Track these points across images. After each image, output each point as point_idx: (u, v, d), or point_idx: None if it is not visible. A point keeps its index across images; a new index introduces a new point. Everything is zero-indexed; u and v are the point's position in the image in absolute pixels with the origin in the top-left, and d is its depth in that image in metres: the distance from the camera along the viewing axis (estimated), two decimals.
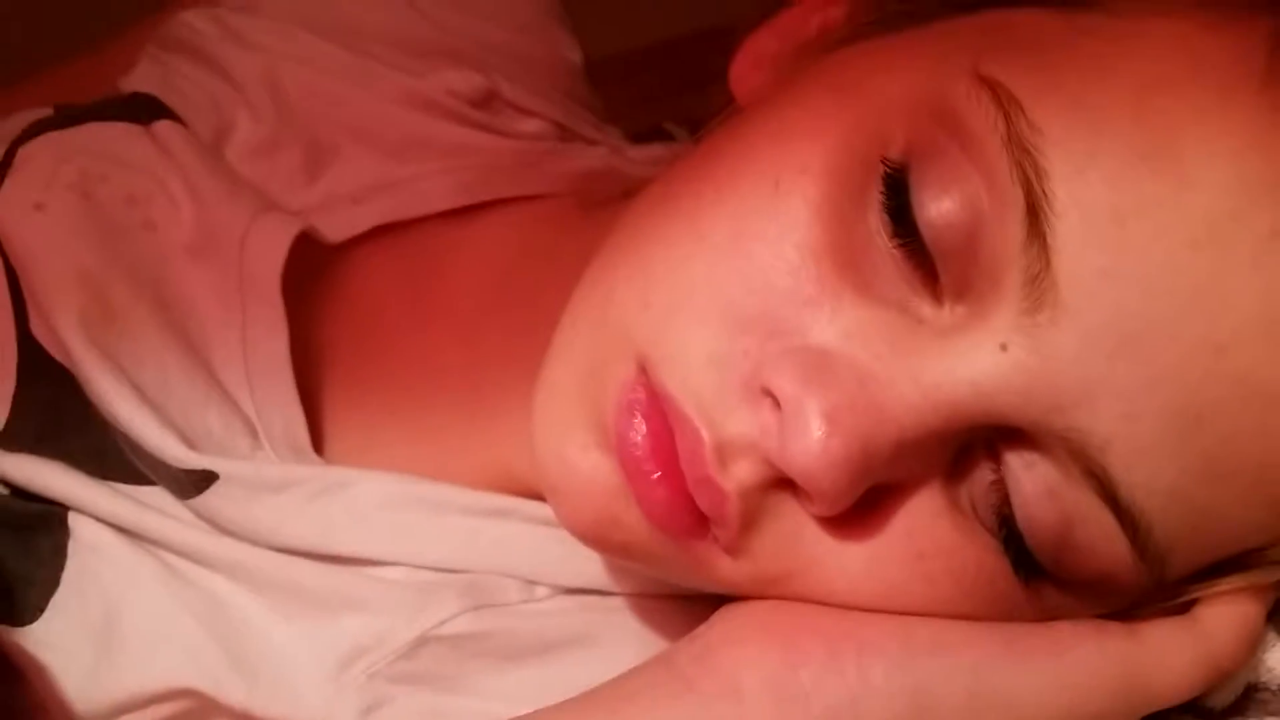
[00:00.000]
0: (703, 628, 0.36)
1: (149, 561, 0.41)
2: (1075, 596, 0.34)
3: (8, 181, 0.45)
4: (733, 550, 0.34)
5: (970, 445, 0.33)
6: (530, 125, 0.52)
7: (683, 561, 0.35)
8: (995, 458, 0.33)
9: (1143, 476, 0.31)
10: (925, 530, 0.33)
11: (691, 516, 0.33)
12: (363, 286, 0.47)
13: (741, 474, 0.33)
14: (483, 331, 0.46)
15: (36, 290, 0.43)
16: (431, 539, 0.42)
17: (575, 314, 0.37)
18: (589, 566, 0.42)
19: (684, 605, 0.42)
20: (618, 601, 0.43)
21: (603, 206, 0.48)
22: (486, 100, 0.51)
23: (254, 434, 0.43)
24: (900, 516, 0.33)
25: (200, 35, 0.52)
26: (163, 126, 0.47)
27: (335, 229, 0.47)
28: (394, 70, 0.51)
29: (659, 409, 0.33)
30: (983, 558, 0.33)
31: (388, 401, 0.45)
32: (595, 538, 0.36)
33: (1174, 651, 0.35)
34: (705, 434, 0.33)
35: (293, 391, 0.43)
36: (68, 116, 0.48)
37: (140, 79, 0.52)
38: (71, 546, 0.41)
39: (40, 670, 0.39)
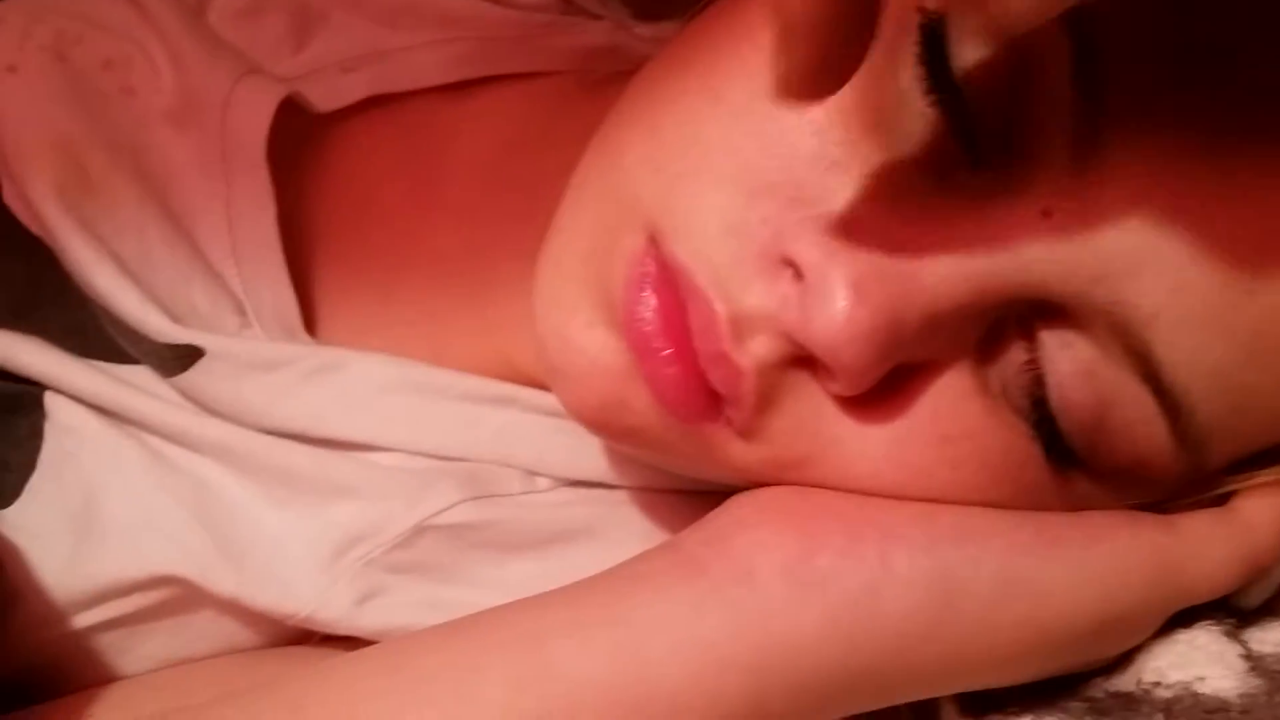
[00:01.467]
0: (713, 513, 0.35)
1: (131, 444, 0.39)
2: (1108, 486, 0.33)
3: None
4: (747, 432, 0.32)
5: (1003, 322, 0.31)
6: None
7: (693, 446, 0.33)
8: (1029, 336, 0.31)
9: (1187, 354, 0.29)
10: (952, 412, 0.31)
11: (704, 397, 0.31)
12: (354, 162, 0.45)
13: (758, 349, 0.30)
14: (481, 214, 0.43)
15: (9, 157, 0.40)
16: (430, 425, 0.40)
17: (580, 183, 0.35)
18: (593, 458, 0.40)
19: (691, 499, 0.40)
20: (622, 494, 0.41)
21: (606, 85, 0.45)
22: None
23: (242, 311, 0.40)
24: (926, 398, 0.31)
25: None
26: None
27: (323, 98, 0.44)
28: None
29: (671, 282, 0.31)
30: (1012, 442, 0.32)
31: (383, 283, 0.43)
32: (600, 422, 0.34)
33: (1210, 544, 0.33)
34: (720, 307, 0.30)
35: (282, 267, 0.41)
36: None
37: None
38: (48, 428, 0.39)
39: (15, 556, 0.37)
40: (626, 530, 0.40)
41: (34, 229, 0.40)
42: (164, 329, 0.38)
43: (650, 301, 0.31)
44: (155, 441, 0.39)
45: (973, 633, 0.32)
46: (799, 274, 0.30)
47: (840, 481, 0.33)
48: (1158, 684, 0.33)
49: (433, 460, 0.40)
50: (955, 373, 0.31)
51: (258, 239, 0.41)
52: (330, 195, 0.44)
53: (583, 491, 0.41)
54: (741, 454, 0.33)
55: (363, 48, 0.46)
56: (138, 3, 0.44)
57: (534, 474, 0.41)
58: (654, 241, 0.32)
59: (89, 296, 0.39)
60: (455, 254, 0.43)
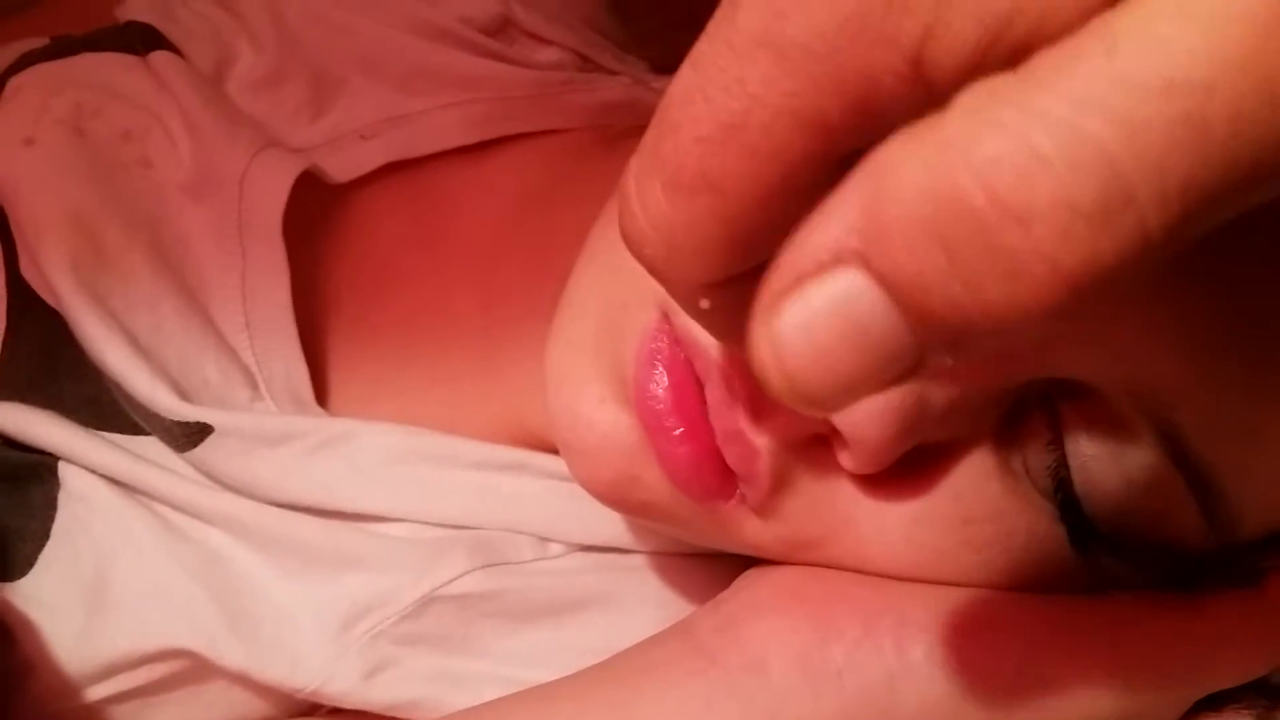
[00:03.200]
0: (726, 593, 0.34)
1: (143, 515, 0.39)
2: (1134, 564, 0.32)
3: None
4: (762, 511, 0.31)
5: (1026, 401, 0.30)
6: (547, 55, 0.49)
7: (707, 523, 0.33)
8: (1053, 414, 0.30)
9: (1217, 434, 0.28)
10: (973, 493, 0.30)
11: (717, 476, 0.31)
12: (370, 228, 0.45)
13: (775, 428, 0.30)
14: (496, 275, 0.43)
15: (25, 230, 0.41)
16: (439, 494, 0.40)
17: (590, 255, 0.34)
18: (607, 523, 0.40)
19: (708, 564, 0.40)
20: (637, 560, 0.40)
21: (622, 140, 0.45)
22: (501, 28, 0.48)
23: (254, 384, 0.40)
24: (946, 478, 0.30)
25: None
26: (159, 57, 0.45)
27: (342, 167, 0.44)
28: None
29: (683, 359, 0.30)
30: (1035, 524, 0.31)
31: (395, 349, 0.43)
32: (614, 498, 0.34)
33: (1239, 629, 0.32)
34: (738, 383, 0.30)
35: (294, 339, 0.41)
36: (62, 47, 0.46)
37: (137, 7, 0.49)
38: (61, 498, 0.39)
39: (29, 628, 0.37)
40: (641, 596, 0.40)
41: (50, 302, 0.40)
42: (173, 407, 0.38)
43: (662, 379, 0.31)
44: (167, 512, 0.39)
45: None
46: None
47: (857, 563, 0.32)
48: None
49: (443, 530, 0.40)
50: (977, 452, 0.30)
51: (272, 312, 0.41)
52: (345, 262, 0.44)
53: (596, 557, 0.40)
54: (756, 532, 0.32)
55: (381, 113, 0.46)
56: (157, 74, 0.44)
57: (546, 540, 0.40)
58: (666, 317, 0.31)
59: (102, 370, 0.39)
60: (469, 317, 0.43)
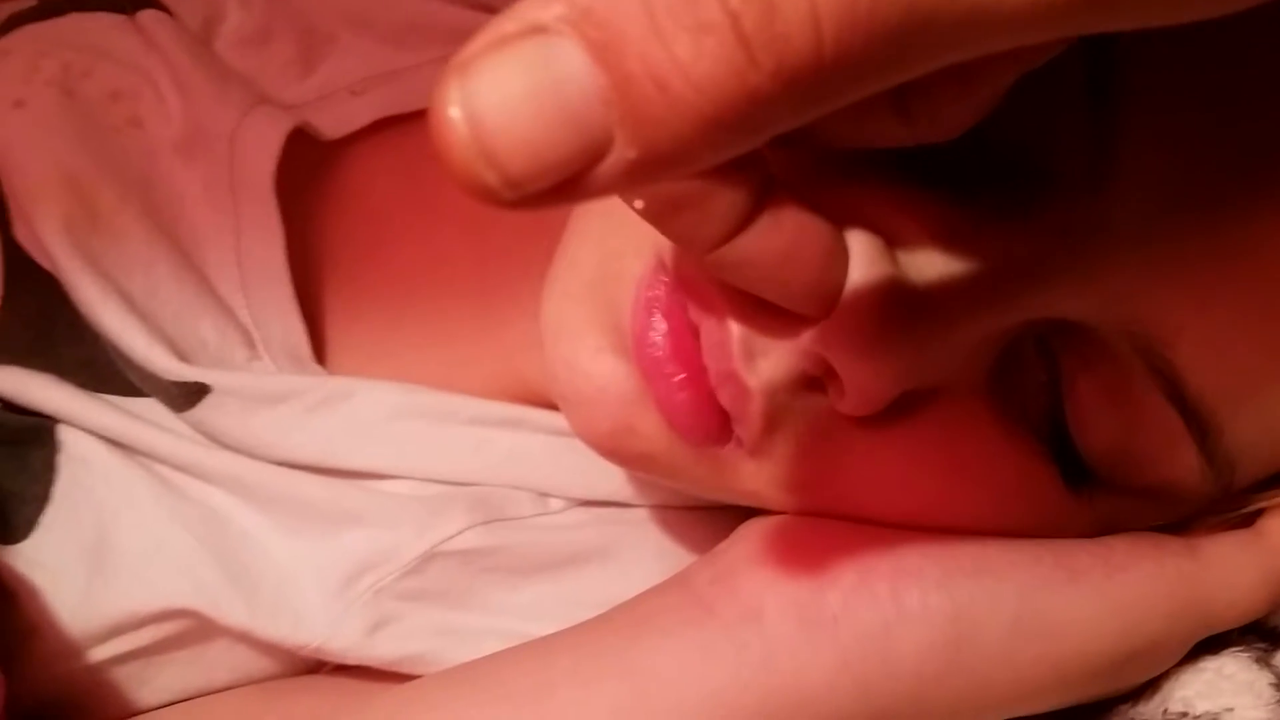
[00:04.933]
0: (724, 544, 0.34)
1: (143, 475, 0.39)
2: (1132, 506, 0.32)
3: None
4: (756, 454, 0.31)
5: (1020, 343, 0.30)
6: None
7: (704, 470, 0.33)
8: (1048, 357, 0.30)
9: (1214, 372, 0.28)
10: (966, 437, 0.30)
11: (715, 420, 0.31)
12: (364, 185, 0.44)
13: (768, 369, 0.29)
14: (492, 231, 0.43)
15: (18, 192, 0.40)
16: (439, 450, 0.40)
17: (584, 207, 0.34)
18: (606, 477, 0.40)
19: (708, 517, 0.40)
20: (637, 514, 0.41)
21: None
22: None
23: (251, 343, 0.40)
24: (940, 423, 0.30)
25: None
26: (147, 16, 0.44)
27: (333, 124, 0.44)
28: None
29: (680, 305, 0.30)
30: (1030, 468, 0.31)
31: (392, 307, 0.43)
32: (611, 448, 0.34)
33: (1237, 569, 0.32)
34: (733, 324, 0.30)
35: (291, 298, 0.41)
36: (50, 7, 0.45)
37: None
38: (61, 460, 0.39)
39: (32, 591, 0.37)
40: (641, 550, 0.40)
41: (45, 265, 0.40)
42: (170, 367, 0.38)
43: (660, 326, 0.31)
44: (166, 472, 0.39)
45: (990, 670, 0.31)
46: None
47: (854, 509, 0.32)
48: (1184, 714, 0.32)
49: (443, 486, 0.40)
50: (971, 397, 0.30)
51: (266, 271, 0.41)
52: (340, 220, 0.44)
53: (596, 511, 0.40)
54: (752, 476, 0.32)
55: (371, 69, 0.46)
56: (145, 33, 0.44)
57: (546, 495, 0.40)
58: (661, 264, 0.31)
59: (98, 332, 0.39)
60: (465, 273, 0.43)
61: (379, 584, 0.38)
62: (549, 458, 0.40)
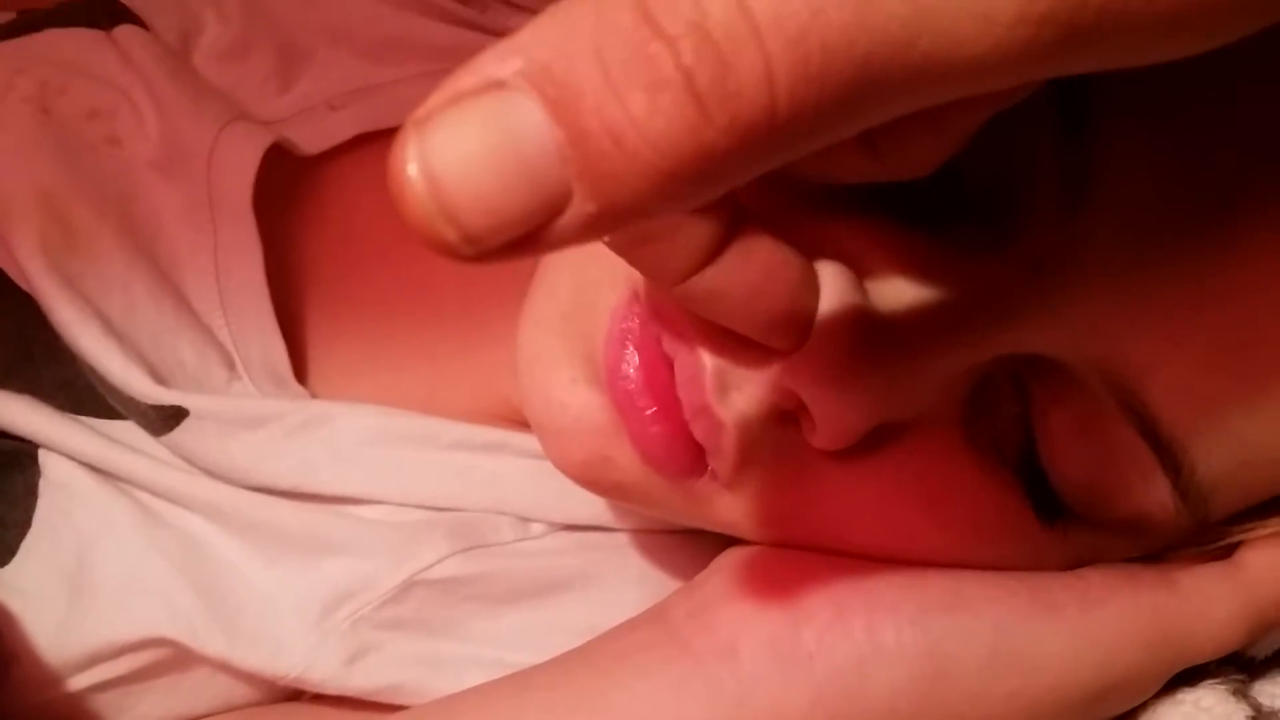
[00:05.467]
0: (701, 576, 0.34)
1: (121, 501, 0.39)
2: (1108, 539, 0.32)
3: None
4: (732, 487, 0.31)
5: (993, 379, 0.30)
6: (518, 20, 0.48)
7: (680, 501, 0.32)
8: (1020, 389, 0.30)
9: (1186, 409, 0.28)
10: (940, 471, 0.30)
11: (689, 454, 0.31)
12: (344, 201, 0.44)
13: (741, 403, 0.29)
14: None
15: None
16: (418, 476, 0.40)
17: None
18: (588, 502, 0.40)
19: (690, 541, 0.40)
20: (618, 538, 0.40)
21: None
22: None
23: (230, 364, 0.40)
24: (913, 456, 0.30)
25: None
26: (124, 32, 0.44)
27: (311, 139, 0.44)
28: None
29: (654, 337, 0.30)
30: (1004, 501, 0.30)
31: (374, 326, 0.43)
32: (587, 478, 0.34)
33: (1214, 601, 0.32)
34: (706, 359, 0.29)
35: (270, 318, 0.41)
36: (26, 23, 0.45)
37: None
38: (42, 485, 0.39)
39: (11, 618, 0.37)
40: (623, 575, 0.40)
41: (22, 285, 0.40)
42: (148, 390, 0.38)
43: (633, 359, 0.31)
44: (145, 498, 0.39)
45: (965, 706, 0.31)
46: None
47: (830, 541, 0.32)
48: None
49: (423, 511, 0.39)
50: (944, 430, 0.30)
51: (246, 290, 0.40)
52: (321, 237, 0.44)
53: (577, 536, 0.40)
54: (728, 509, 0.32)
55: (350, 83, 0.45)
56: (121, 48, 0.44)
57: (527, 520, 0.40)
58: (636, 297, 0.31)
59: (76, 353, 0.39)
60: (447, 293, 0.43)
61: (358, 613, 0.38)
62: (530, 482, 0.40)
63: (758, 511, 0.32)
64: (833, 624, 0.31)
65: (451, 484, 0.40)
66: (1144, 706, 0.33)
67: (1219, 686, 0.32)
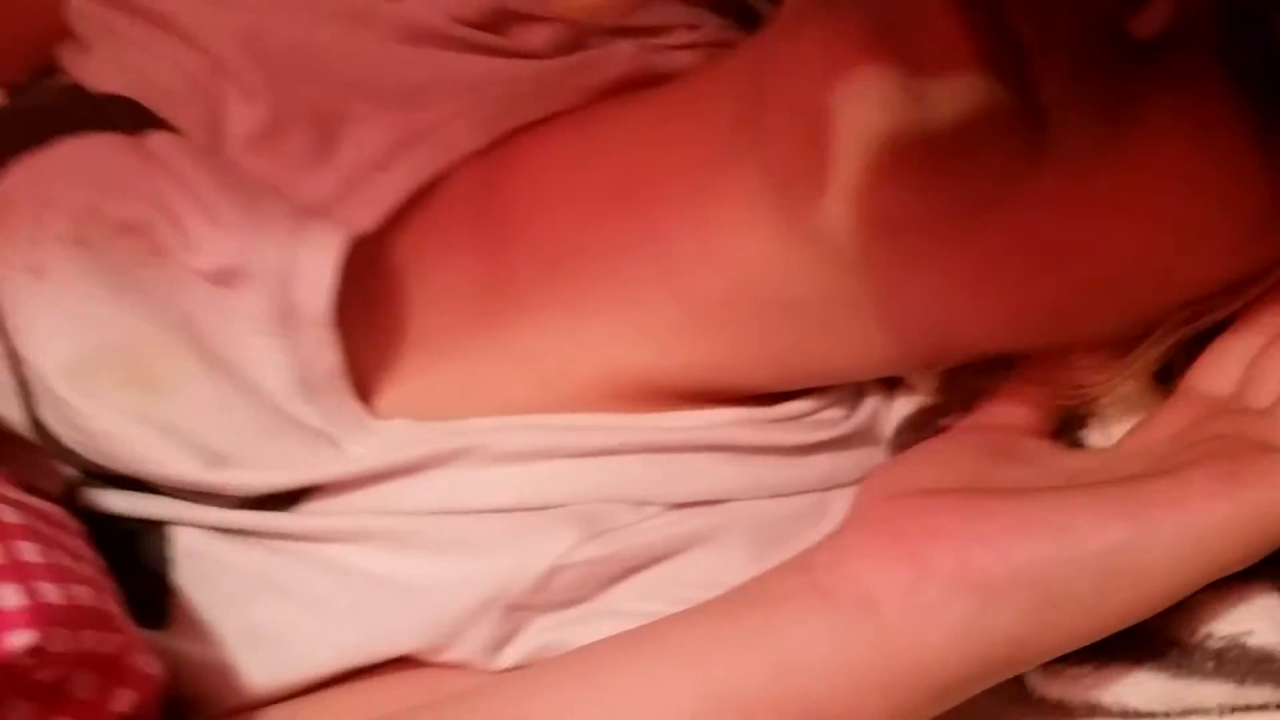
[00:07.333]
0: (837, 531, 0.38)
1: (259, 554, 0.42)
2: None
3: None
4: (1058, 75, 0.34)
5: None
6: (540, 34, 0.48)
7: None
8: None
9: None
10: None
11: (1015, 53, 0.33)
12: (405, 254, 0.45)
13: None
14: (552, 253, 0.45)
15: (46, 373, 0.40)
16: (544, 482, 0.43)
17: None
18: (692, 480, 0.44)
19: (787, 503, 0.45)
20: (724, 508, 0.45)
21: (633, 100, 0.46)
22: (493, 20, 0.47)
23: (334, 442, 0.42)
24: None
25: None
26: (159, 141, 0.43)
27: (367, 209, 0.43)
28: None
29: None
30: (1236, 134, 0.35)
31: (444, 360, 0.45)
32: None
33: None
34: None
35: (354, 403, 0.43)
36: (33, 123, 0.44)
37: (103, 70, 0.46)
38: (179, 554, 0.41)
39: (176, 678, 0.39)
40: (733, 536, 0.44)
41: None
42: (260, 484, 0.41)
43: None
44: (280, 544, 0.42)
45: (1079, 623, 0.36)
46: None
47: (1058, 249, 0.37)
48: (1210, 635, 0.37)
49: (550, 510, 0.43)
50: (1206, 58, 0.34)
51: (327, 380, 0.42)
52: (387, 298, 0.45)
53: (687, 510, 0.44)
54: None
55: (390, 138, 0.45)
56: (158, 159, 0.43)
57: (642, 504, 0.44)
58: None
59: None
60: (520, 296, 0.45)
61: (507, 604, 0.42)
62: (641, 471, 0.44)
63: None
64: (956, 575, 0.35)
65: (573, 483, 0.43)
66: (1197, 599, 0.37)
67: (1269, 587, 0.37)
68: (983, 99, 0.34)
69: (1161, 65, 0.35)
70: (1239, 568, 0.36)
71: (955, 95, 0.34)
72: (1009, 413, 0.43)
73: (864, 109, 0.35)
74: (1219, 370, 0.40)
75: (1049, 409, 0.43)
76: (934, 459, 0.42)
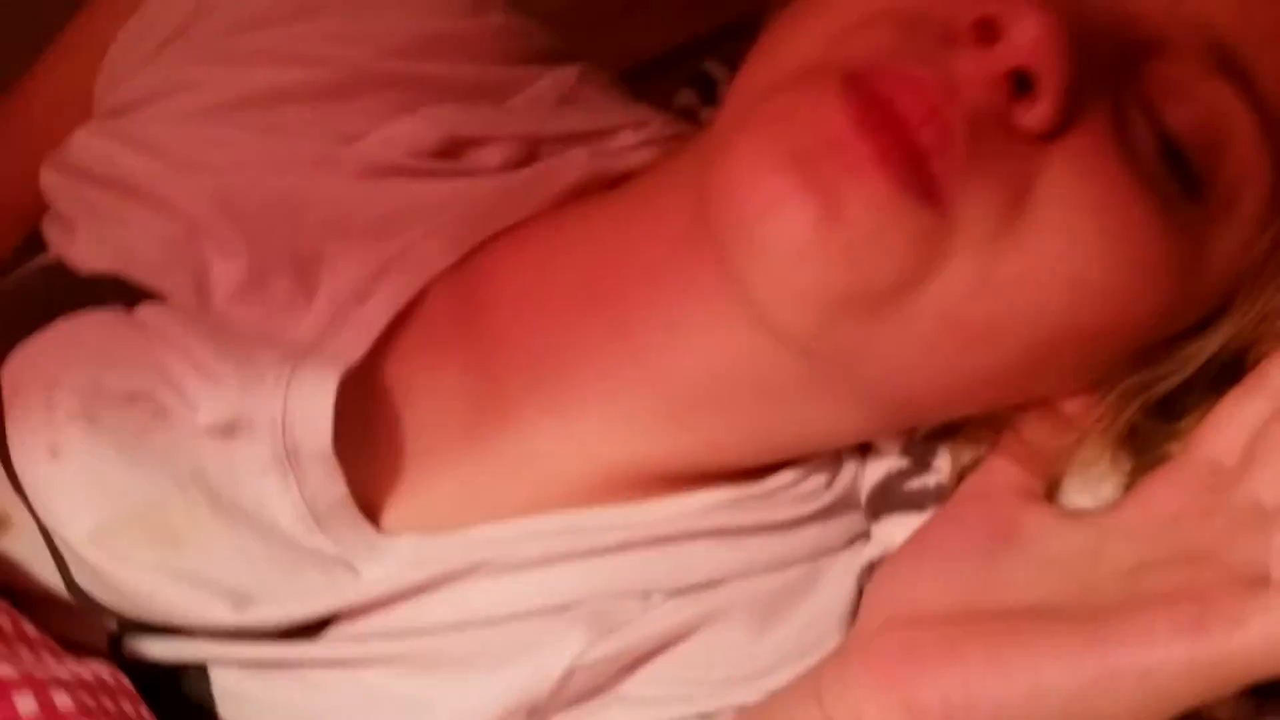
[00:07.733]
0: (845, 653, 0.41)
1: (290, 683, 0.44)
2: (1212, 230, 0.39)
3: (8, 424, 0.43)
4: (956, 172, 0.36)
5: (1123, 98, 0.38)
6: (494, 154, 0.50)
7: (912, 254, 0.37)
8: (1142, 96, 0.38)
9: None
10: (1105, 173, 0.38)
11: (914, 157, 0.36)
12: (392, 374, 0.47)
13: (966, 98, 0.36)
14: (534, 357, 0.46)
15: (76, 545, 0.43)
16: (556, 585, 0.45)
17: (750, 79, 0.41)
18: (692, 565, 0.46)
19: (780, 576, 0.47)
20: (722, 588, 0.46)
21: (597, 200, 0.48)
22: (447, 147, 0.49)
23: (350, 566, 0.44)
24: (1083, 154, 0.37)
25: (117, 166, 0.48)
26: (149, 313, 0.45)
27: (354, 340, 0.45)
28: (333, 140, 0.48)
29: (883, 98, 0.36)
30: (1146, 198, 0.38)
31: (442, 473, 0.47)
32: (815, 252, 0.37)
33: None
34: (923, 73, 0.36)
35: (365, 526, 0.44)
36: (29, 308, 0.46)
37: (91, 251, 0.48)
38: (217, 693, 0.44)
39: None
40: (731, 616, 0.46)
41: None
42: (284, 618, 0.43)
43: (876, 112, 0.36)
44: (310, 674, 0.44)
45: None
46: (979, 28, 0.36)
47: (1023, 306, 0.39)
48: None
49: (562, 610, 0.45)
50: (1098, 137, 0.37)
51: (337, 510, 0.43)
52: (383, 421, 0.46)
53: (689, 596, 0.46)
54: (964, 256, 0.37)
55: (366, 268, 0.46)
56: (152, 329, 0.44)
57: (647, 594, 0.46)
58: (850, 82, 0.37)
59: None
60: (512, 402, 0.46)
61: (531, 707, 0.44)
62: (644, 564, 0.45)
63: (982, 219, 0.37)
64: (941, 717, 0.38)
65: (582, 584, 0.45)
66: None
67: None
68: (887, 201, 0.36)
69: (1059, 146, 0.37)
70: (1203, 703, 0.36)
71: (864, 201, 0.36)
72: (1004, 472, 0.44)
73: (786, 229, 0.37)
74: (1225, 438, 0.39)
75: (1036, 468, 0.44)
76: (933, 566, 0.42)
